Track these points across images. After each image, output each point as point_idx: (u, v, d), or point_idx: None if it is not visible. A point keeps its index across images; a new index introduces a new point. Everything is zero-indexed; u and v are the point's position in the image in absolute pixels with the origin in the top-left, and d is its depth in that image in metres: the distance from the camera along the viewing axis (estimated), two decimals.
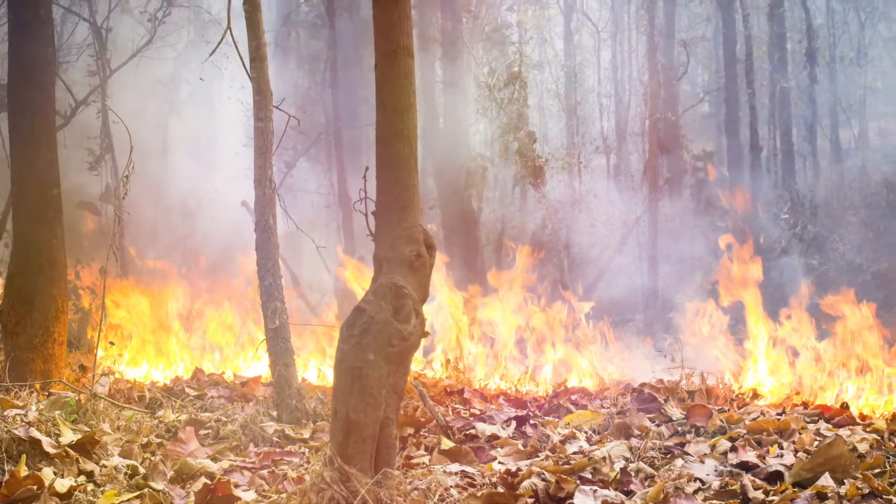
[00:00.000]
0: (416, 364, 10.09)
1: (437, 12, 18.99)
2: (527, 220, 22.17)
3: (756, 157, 22.90)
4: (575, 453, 6.34)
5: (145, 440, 6.67)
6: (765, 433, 6.63)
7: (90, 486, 5.47)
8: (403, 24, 5.42)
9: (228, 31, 8.14)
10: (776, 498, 5.19)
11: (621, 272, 19.87)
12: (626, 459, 6.10)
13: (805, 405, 8.01)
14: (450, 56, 19.08)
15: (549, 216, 19.64)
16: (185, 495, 5.49)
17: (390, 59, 5.39)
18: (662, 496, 5.20)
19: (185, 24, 16.96)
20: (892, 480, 5.44)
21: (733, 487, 5.39)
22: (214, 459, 6.29)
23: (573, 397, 8.62)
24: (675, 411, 7.51)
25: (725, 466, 5.90)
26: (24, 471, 5.30)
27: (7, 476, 5.21)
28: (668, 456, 6.25)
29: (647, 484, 5.57)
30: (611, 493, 5.28)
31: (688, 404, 7.64)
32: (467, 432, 6.87)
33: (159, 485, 5.58)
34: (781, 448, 6.29)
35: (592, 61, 26.36)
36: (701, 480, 5.57)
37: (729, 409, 7.64)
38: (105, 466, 5.80)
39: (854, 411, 7.57)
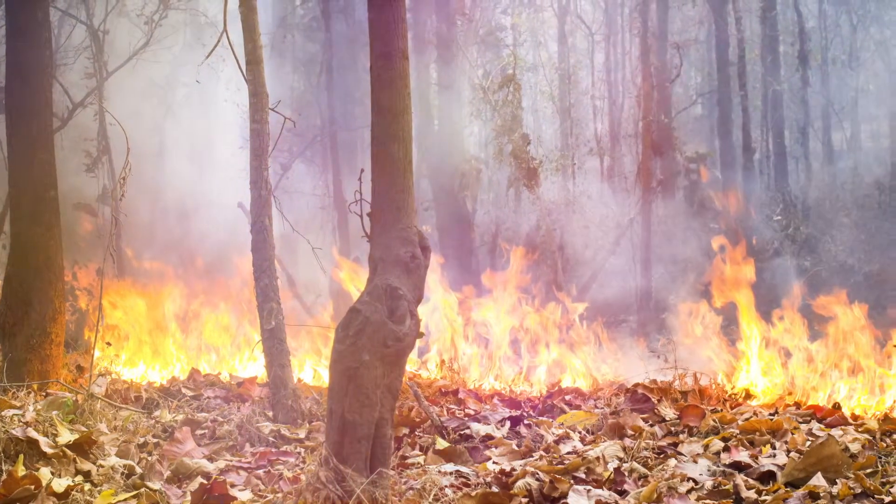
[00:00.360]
0: (411, 365, 10.12)
1: (432, 15, 19.06)
2: (521, 221, 22.21)
3: (749, 159, 22.96)
4: (569, 453, 6.38)
5: (142, 440, 6.70)
6: (757, 433, 6.66)
7: (87, 486, 5.50)
8: (398, 27, 5.46)
9: (224, 33, 8.18)
10: (769, 498, 5.22)
11: (615, 273, 19.89)
12: (620, 459, 6.14)
13: (797, 405, 8.04)
14: (444, 58, 19.14)
15: (543, 218, 19.66)
16: (182, 495, 5.53)
17: (385, 61, 5.43)
18: (656, 496, 5.24)
19: (182, 27, 16.97)
20: (883, 480, 5.48)
21: (726, 487, 5.43)
22: (211, 459, 6.33)
23: (567, 397, 8.65)
24: (669, 411, 7.54)
25: (718, 466, 5.94)
26: (21, 470, 5.33)
27: (5, 476, 5.24)
28: (662, 456, 6.29)
29: (640, 484, 5.61)
30: (604, 493, 5.32)
31: (681, 404, 7.67)
32: (462, 432, 6.91)
33: (156, 484, 5.61)
34: (774, 448, 6.33)
35: (586, 64, 26.36)
36: (694, 480, 5.60)
37: (722, 410, 7.68)
38: (102, 466, 5.83)
39: (846, 411, 7.60)
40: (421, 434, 6.95)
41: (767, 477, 5.69)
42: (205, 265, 15.16)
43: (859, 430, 6.73)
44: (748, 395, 8.71)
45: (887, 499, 5.16)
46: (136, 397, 8.43)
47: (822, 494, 5.16)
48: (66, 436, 6.02)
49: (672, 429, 7.16)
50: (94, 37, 14.04)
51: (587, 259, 20.38)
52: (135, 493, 5.45)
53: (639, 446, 6.37)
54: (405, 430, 6.99)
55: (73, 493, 5.22)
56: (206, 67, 10.91)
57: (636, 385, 8.18)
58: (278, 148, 8.65)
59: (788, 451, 6.19)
